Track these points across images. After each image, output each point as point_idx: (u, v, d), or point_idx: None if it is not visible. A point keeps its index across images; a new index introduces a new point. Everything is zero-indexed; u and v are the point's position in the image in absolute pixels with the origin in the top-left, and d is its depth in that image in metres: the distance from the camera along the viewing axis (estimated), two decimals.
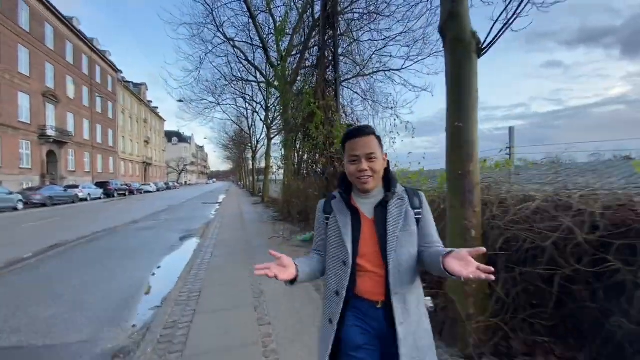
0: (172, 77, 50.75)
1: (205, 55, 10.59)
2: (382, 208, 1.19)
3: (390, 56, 10.10)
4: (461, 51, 2.52)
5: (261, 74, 12.01)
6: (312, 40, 8.38)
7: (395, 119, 5.69)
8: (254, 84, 18.43)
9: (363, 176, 1.15)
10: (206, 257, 5.75)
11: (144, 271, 5.20)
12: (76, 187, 24.02)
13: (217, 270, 4.91)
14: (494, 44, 2.57)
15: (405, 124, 5.68)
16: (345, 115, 5.77)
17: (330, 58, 5.74)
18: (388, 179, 1.23)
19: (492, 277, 0.89)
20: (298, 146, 6.05)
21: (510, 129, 3.81)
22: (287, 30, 10.32)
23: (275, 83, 11.49)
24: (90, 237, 8.32)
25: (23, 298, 4.03)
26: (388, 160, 1.26)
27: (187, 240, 7.85)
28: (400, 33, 9.29)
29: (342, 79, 6.18)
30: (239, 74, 14.16)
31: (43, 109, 27.97)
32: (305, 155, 5.76)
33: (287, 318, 3.18)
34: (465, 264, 0.95)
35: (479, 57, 2.57)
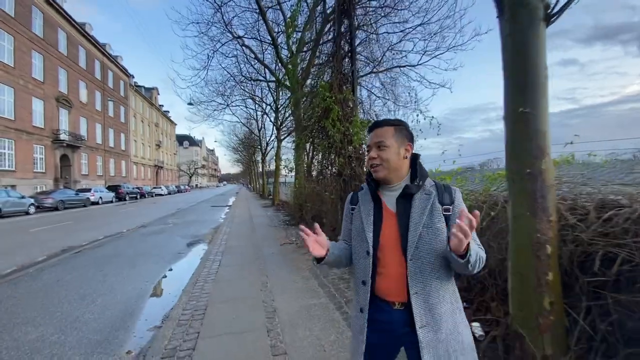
0: (180, 77, 50.23)
1: (214, 53, 10.22)
2: (405, 201, 1.15)
3: (406, 51, 9.59)
4: (526, 18, 2.00)
5: (271, 72, 11.62)
6: (324, 36, 7.93)
7: (417, 115, 5.15)
8: (263, 84, 18.13)
9: (373, 164, 1.17)
10: (213, 267, 5.31)
11: (147, 282, 4.79)
12: (88, 190, 24.10)
13: (225, 283, 4.45)
14: (566, 8, 2.03)
15: (430, 120, 5.14)
16: (363, 111, 5.29)
17: (347, 49, 5.25)
18: (415, 172, 1.19)
19: (475, 220, 0.94)
20: (309, 146, 5.57)
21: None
22: (298, 26, 9.90)
23: (287, 82, 11.06)
24: (96, 243, 8.00)
25: (12, 315, 3.64)
26: (415, 153, 1.22)
27: (195, 247, 7.44)
28: (418, 25, 8.78)
29: (357, 75, 5.68)
30: (248, 74, 13.78)
31: (57, 114, 28.30)
32: (320, 155, 5.28)
33: (306, 346, 2.68)
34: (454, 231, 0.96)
35: (547, 25, 2.04)
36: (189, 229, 10.19)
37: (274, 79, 12.96)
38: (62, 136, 28.23)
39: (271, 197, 23.54)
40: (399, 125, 1.19)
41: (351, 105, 5.04)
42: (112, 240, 8.44)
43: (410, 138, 1.20)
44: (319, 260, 1.19)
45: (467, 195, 3.28)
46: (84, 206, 21.79)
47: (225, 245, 7.17)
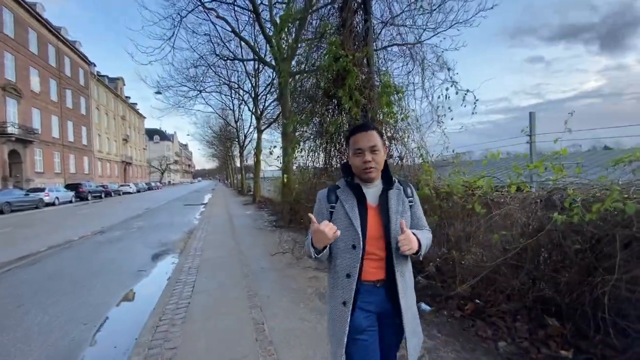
0: (139, 49, 36.95)
1: (180, 21, 8.50)
2: (384, 196, 1.31)
3: (407, 26, 8.36)
4: None
5: (251, 48, 10.02)
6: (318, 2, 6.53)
7: (448, 88, 3.90)
8: (240, 69, 16.44)
9: (368, 167, 1.27)
10: (185, 294, 3.88)
11: (85, 324, 3.30)
12: (41, 190, 21.38)
13: (199, 325, 3.05)
14: None
15: (464, 94, 3.91)
16: (380, 81, 3.98)
17: None
18: (386, 171, 1.36)
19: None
20: (310, 130, 4.25)
21: (531, 115, 3.27)
22: None
23: (271, 61, 9.59)
24: (30, 258, 6.25)
25: None
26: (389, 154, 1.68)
27: (161, 260, 5.92)
28: None
29: (373, 32, 4.35)
30: (222, 54, 12.03)
31: (3, 104, 25.03)
32: (325, 141, 3.94)
33: None
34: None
35: None
36: (156, 235, 8.56)
37: (252, 57, 11.36)
38: (10, 129, 25.03)
39: (251, 193, 21.92)
40: (378, 130, 1.34)
41: (367, 71, 3.74)
42: (55, 253, 6.71)
43: (384, 141, 1.40)
44: (318, 251, 1.24)
45: (583, 188, 2.09)
46: (36, 208, 19.21)
47: (200, 257, 5.70)
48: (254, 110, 17.14)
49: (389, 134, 3.62)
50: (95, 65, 43.20)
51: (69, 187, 26.11)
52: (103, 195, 30.03)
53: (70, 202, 24.05)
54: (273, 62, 9.25)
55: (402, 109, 3.53)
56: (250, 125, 22.43)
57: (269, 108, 18.33)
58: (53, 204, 21.43)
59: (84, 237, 8.42)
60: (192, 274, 4.71)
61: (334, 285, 1.31)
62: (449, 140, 3.94)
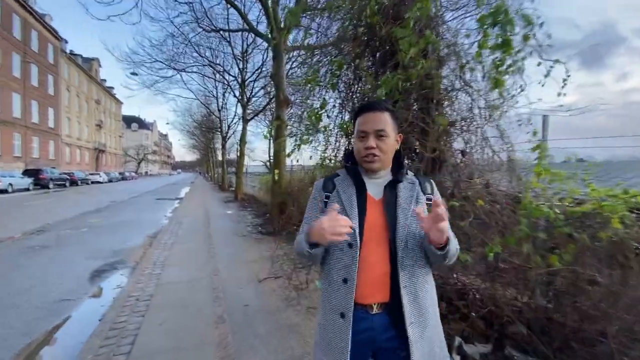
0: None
1: None
2: (391, 189, 1.09)
3: None
4: None
5: (241, 15, 8.29)
6: None
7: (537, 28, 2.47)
8: (225, 52, 14.65)
9: (369, 154, 1.06)
10: None
11: None
12: None
13: None
14: None
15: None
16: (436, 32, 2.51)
17: None
18: (399, 163, 1.14)
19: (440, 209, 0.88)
20: (332, 99, 2.71)
21: (544, 118, 2.54)
22: None
23: (264, 32, 7.98)
24: None
25: None
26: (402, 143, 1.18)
27: (103, 281, 4.24)
28: None
29: None
30: (206, 24, 10.22)
31: None
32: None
33: None
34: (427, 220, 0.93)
35: None
36: (110, 238, 6.80)
37: (241, 28, 9.69)
38: None
39: (233, 189, 20.13)
40: (393, 112, 1.11)
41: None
42: None
43: (399, 127, 1.14)
44: (312, 245, 0.99)
45: None
46: None
47: (158, 278, 4.08)
48: (240, 97, 15.38)
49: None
50: (67, 42, 39.83)
51: (27, 172, 23.38)
52: (68, 184, 27.30)
53: (28, 189, 21.46)
54: (269, 34, 7.62)
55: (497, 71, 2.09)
56: (234, 116, 20.63)
57: (255, 97, 16.64)
58: (5, 192, 18.89)
59: (12, 239, 6.55)
60: (138, 312, 3.11)
61: (328, 295, 1.08)
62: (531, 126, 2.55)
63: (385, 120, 1.06)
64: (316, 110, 2.38)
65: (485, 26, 1.70)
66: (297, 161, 3.07)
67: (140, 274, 4.32)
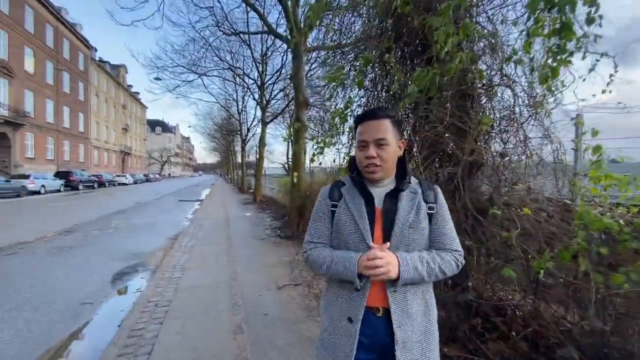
0: (118, 5, 39.44)
1: None
2: (392, 198, 1.07)
3: None
4: None
5: (260, 17, 8.26)
6: None
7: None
8: (245, 55, 14.77)
9: (370, 164, 1.05)
10: None
11: None
12: (26, 177, 19.77)
13: None
14: None
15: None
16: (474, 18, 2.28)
17: None
18: (403, 170, 1.11)
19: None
20: (357, 98, 2.49)
21: (578, 116, 2.27)
22: None
23: (286, 33, 7.90)
24: None
25: None
26: (406, 149, 1.16)
27: (123, 283, 4.25)
28: None
29: None
30: (225, 27, 10.30)
31: None
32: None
33: None
34: None
35: None
36: (132, 240, 6.90)
37: (260, 30, 9.68)
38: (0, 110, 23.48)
39: (252, 191, 20.28)
40: (394, 118, 1.09)
41: None
42: None
43: (401, 133, 1.14)
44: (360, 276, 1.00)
45: None
46: (18, 196, 17.62)
47: (177, 283, 4.03)
48: (259, 100, 15.46)
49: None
50: (96, 50, 41.64)
51: (58, 175, 24.52)
52: (96, 186, 28.44)
53: (59, 191, 22.48)
54: (288, 36, 7.56)
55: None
56: (254, 118, 20.81)
57: (274, 100, 16.68)
58: (38, 193, 19.85)
59: (42, 239, 6.76)
60: (157, 319, 3.04)
61: (335, 298, 1.09)
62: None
63: (385, 128, 1.04)
64: (340, 110, 2.21)
65: (538, 10, 1.48)
66: (320, 163, 2.91)
67: (160, 277, 4.29)
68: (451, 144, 1.98)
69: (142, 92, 67.26)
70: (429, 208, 1.07)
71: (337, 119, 2.29)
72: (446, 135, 2.01)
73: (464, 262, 1.08)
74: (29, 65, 27.80)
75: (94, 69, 40.64)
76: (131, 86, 57.05)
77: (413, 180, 1.13)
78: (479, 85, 2.00)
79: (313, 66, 9.18)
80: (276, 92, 16.21)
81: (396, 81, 1.95)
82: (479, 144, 2.07)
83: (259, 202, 14.53)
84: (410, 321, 1.01)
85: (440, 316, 1.16)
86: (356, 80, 2.01)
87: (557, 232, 1.82)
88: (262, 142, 15.64)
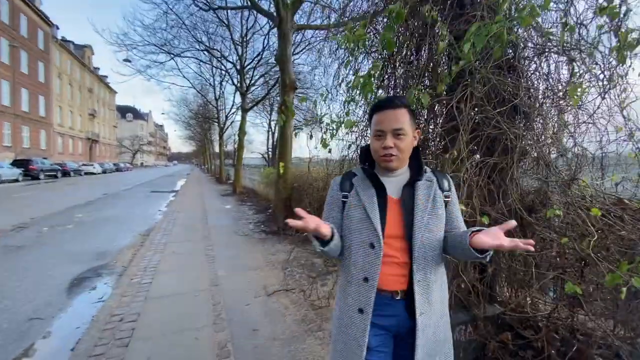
0: None
1: None
2: (409, 188, 1.09)
3: None
4: None
5: None
6: None
7: None
8: (224, 36, 13.80)
9: (387, 154, 1.05)
10: None
11: None
12: None
13: None
14: None
15: None
16: None
17: None
18: (418, 160, 1.12)
19: (532, 248, 0.85)
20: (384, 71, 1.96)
21: None
22: None
23: (267, 5, 7.26)
24: None
25: None
26: (420, 137, 1.16)
27: (82, 293, 3.60)
28: None
29: None
30: (201, 1, 9.35)
31: None
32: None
33: None
34: (497, 238, 0.90)
35: None
36: (97, 236, 6.15)
37: (240, 4, 8.92)
38: None
39: (231, 182, 19.45)
40: (410, 107, 1.09)
41: None
42: None
43: (416, 122, 1.14)
44: (324, 243, 1.01)
45: None
46: None
47: (147, 290, 3.46)
48: (239, 85, 14.59)
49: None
50: (58, 28, 38.35)
51: (16, 163, 22.49)
52: (59, 175, 26.43)
53: (17, 180, 20.62)
54: (273, 12, 6.91)
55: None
56: (232, 105, 19.77)
57: (253, 87, 15.82)
58: None
59: None
60: (121, 339, 2.49)
61: (346, 289, 1.11)
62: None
63: (403, 118, 1.04)
64: (365, 77, 1.69)
65: None
66: (330, 151, 2.38)
67: (128, 283, 3.69)
68: (503, 126, 1.56)
69: (110, 75, 63.34)
70: (445, 196, 1.09)
71: (356, 91, 1.79)
72: (497, 114, 1.58)
73: None
74: None
75: (55, 48, 37.47)
76: (98, 69, 53.42)
77: (427, 169, 1.13)
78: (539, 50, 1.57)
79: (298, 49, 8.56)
80: (257, 77, 15.40)
81: (441, 40, 1.48)
82: (528, 125, 1.66)
83: (239, 193, 13.84)
84: (431, 308, 1.04)
85: (467, 333, 1.16)
86: (383, 41, 1.52)
87: (635, 239, 1.46)
88: (242, 130, 14.85)
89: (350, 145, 2.27)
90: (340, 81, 2.20)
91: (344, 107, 1.99)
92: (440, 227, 1.06)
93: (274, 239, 5.81)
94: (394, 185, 1.10)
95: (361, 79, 1.69)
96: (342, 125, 1.95)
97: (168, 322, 2.78)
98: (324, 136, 2.15)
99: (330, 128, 2.08)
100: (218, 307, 3.06)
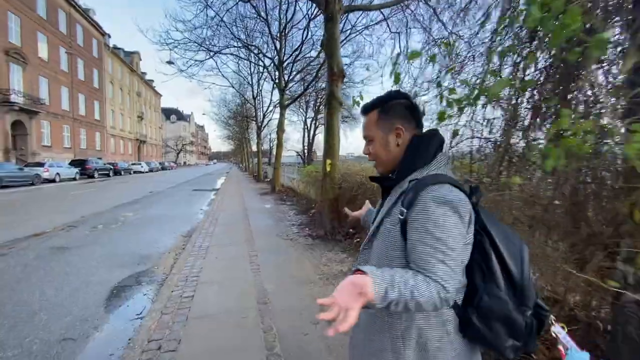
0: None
1: None
2: (386, 193, 0.98)
3: None
4: None
5: None
6: None
7: None
8: (262, 32, 13.49)
9: (371, 160, 1.01)
10: None
11: None
12: (40, 165, 19.41)
13: None
14: None
15: None
16: None
17: None
18: (405, 160, 0.92)
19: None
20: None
21: None
22: None
23: None
24: None
25: None
26: (415, 136, 0.92)
27: (121, 306, 3.25)
28: None
29: None
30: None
31: (6, 70, 23.03)
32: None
33: None
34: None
35: None
36: (141, 237, 5.98)
37: None
38: (14, 97, 23.11)
39: (268, 180, 19.33)
40: (385, 104, 0.94)
41: None
42: None
43: (402, 116, 0.92)
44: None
45: None
46: (32, 184, 17.24)
47: (189, 306, 3.01)
48: (277, 81, 14.24)
49: None
50: (109, 37, 40.97)
51: (74, 163, 24.21)
52: (111, 174, 28.17)
53: (74, 179, 22.15)
54: None
55: None
56: (269, 104, 19.63)
57: (291, 83, 15.39)
58: (53, 181, 19.51)
59: (39, 235, 5.92)
60: None
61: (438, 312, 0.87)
62: None
63: (369, 123, 0.97)
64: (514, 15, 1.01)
65: None
66: (457, 133, 1.71)
67: (168, 296, 3.29)
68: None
69: (154, 75, 66.78)
70: (400, 213, 0.84)
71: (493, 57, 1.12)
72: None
73: (449, 297, 0.73)
74: (43, 51, 27.32)
75: (107, 55, 40.11)
76: (145, 73, 56.63)
77: (415, 175, 0.88)
78: None
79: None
80: (294, 73, 14.95)
81: None
82: None
83: (277, 192, 13.52)
84: (358, 333, 0.97)
85: None
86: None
87: None
88: (280, 128, 14.50)
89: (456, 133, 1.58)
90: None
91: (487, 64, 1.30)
92: (384, 245, 0.88)
93: (321, 245, 5.23)
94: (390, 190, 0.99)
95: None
96: (487, 92, 1.27)
97: (212, 354, 2.28)
98: (446, 108, 1.47)
99: (461, 97, 1.41)
100: (270, 336, 2.51)
